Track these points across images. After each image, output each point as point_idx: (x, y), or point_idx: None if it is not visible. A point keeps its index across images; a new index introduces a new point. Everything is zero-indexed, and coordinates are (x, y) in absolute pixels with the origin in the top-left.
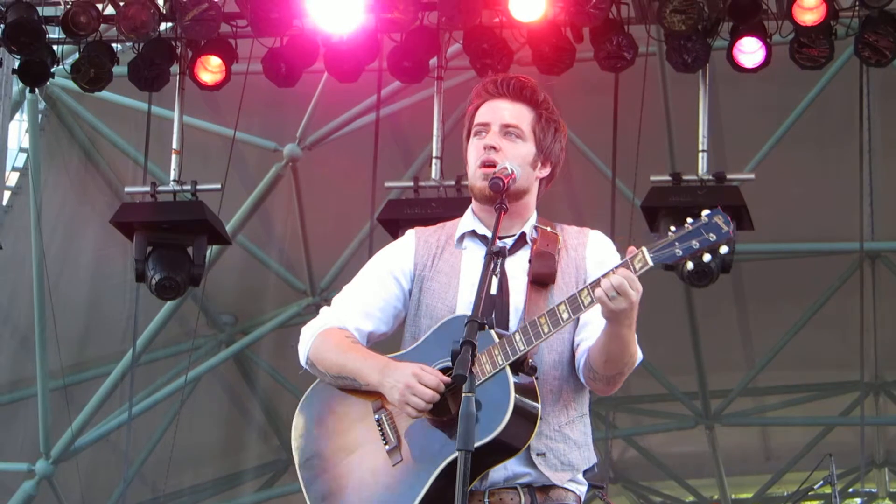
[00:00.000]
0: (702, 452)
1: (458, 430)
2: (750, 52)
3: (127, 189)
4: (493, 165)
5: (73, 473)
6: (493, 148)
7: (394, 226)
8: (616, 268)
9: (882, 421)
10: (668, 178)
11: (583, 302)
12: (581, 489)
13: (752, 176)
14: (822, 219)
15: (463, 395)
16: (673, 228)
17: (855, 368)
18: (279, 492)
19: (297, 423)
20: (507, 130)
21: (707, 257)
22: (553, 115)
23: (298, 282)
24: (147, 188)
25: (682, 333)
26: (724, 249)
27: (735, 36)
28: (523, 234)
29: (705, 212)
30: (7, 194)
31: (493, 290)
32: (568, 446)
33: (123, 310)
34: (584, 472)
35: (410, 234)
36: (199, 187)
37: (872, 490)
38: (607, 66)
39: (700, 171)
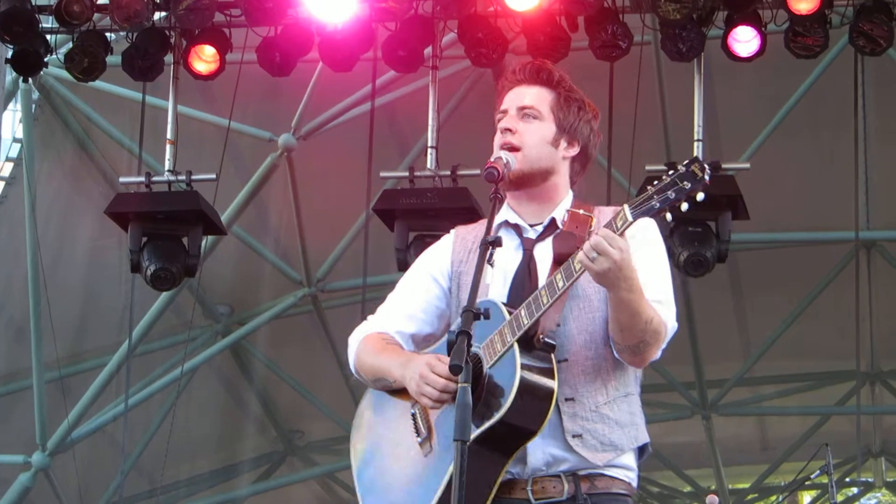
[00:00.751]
0: (699, 442)
1: (455, 420)
2: (745, 41)
3: (121, 179)
4: (511, 147)
5: (69, 465)
6: (510, 130)
7: (389, 216)
8: (598, 229)
9: (878, 410)
10: (663, 167)
11: (574, 268)
12: (630, 475)
13: (747, 165)
14: (817, 208)
15: (459, 385)
16: (655, 183)
17: (851, 358)
18: (276, 483)
19: (353, 431)
20: (524, 112)
21: (684, 206)
22: (573, 93)
23: (294, 272)
24: (142, 178)
25: (678, 323)
26: (700, 197)
27: (730, 25)
28: (553, 220)
29: (685, 162)
30: (1, 185)
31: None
32: (608, 426)
33: (119, 301)
34: (640, 454)
35: (450, 234)
36: (193, 177)
37: (869, 479)
38: (602, 55)
39: None
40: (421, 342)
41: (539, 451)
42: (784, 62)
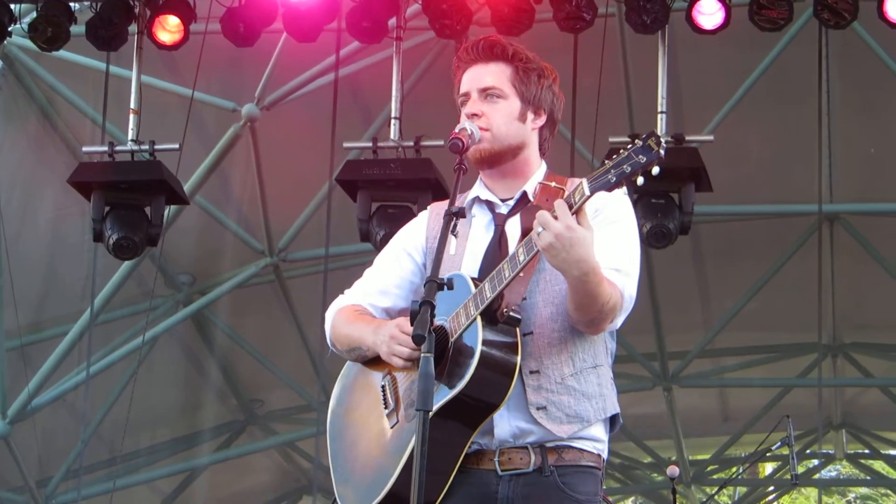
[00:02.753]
0: (660, 413)
1: (417, 389)
2: (709, 13)
3: (85, 149)
4: (479, 128)
5: (29, 433)
6: (476, 115)
7: (352, 186)
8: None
9: (839, 382)
10: (627, 139)
11: (535, 242)
12: (599, 447)
13: (710, 137)
14: (781, 181)
15: (421, 355)
16: (613, 157)
17: (813, 330)
18: (236, 452)
19: (330, 404)
20: (486, 93)
21: (640, 180)
22: (531, 63)
23: (256, 242)
24: (105, 148)
25: (640, 294)
26: (655, 170)
27: None
28: (525, 194)
29: (642, 136)
30: None
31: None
32: (574, 398)
33: (81, 269)
34: (612, 425)
35: (426, 210)
36: (157, 147)
37: (830, 451)
38: (566, 26)
39: (659, 132)
40: (395, 316)
41: (505, 423)
42: (748, 35)
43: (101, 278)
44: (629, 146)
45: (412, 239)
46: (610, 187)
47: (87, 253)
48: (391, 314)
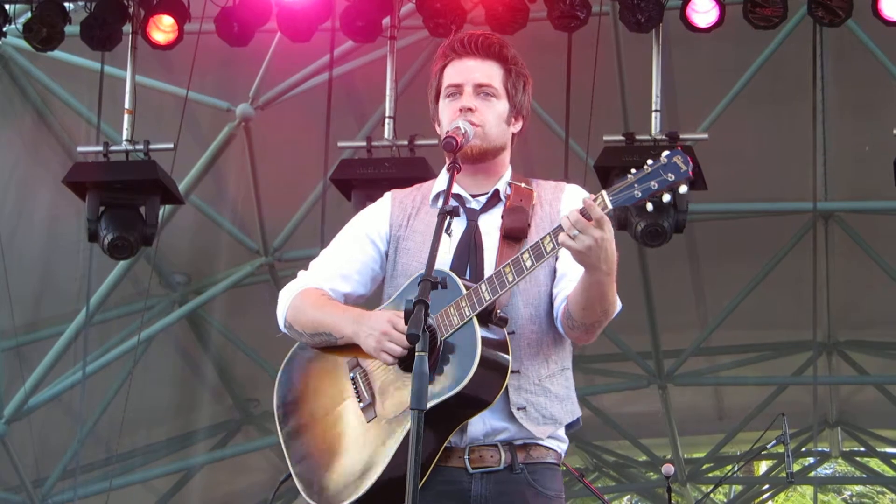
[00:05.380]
0: (655, 412)
1: (411, 388)
2: (703, 11)
3: (79, 149)
4: (472, 124)
5: (26, 433)
6: (470, 109)
7: (346, 186)
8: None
9: (835, 380)
10: (621, 137)
11: (545, 248)
12: (562, 447)
13: (705, 136)
14: (775, 179)
15: (416, 354)
16: (633, 171)
17: (808, 328)
18: (231, 451)
19: (278, 387)
20: (481, 90)
21: (666, 197)
22: (522, 69)
23: (251, 241)
24: (100, 148)
25: (635, 293)
26: (682, 189)
27: None
28: (497, 191)
29: (665, 153)
30: None
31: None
32: (549, 400)
33: (76, 270)
34: (569, 427)
35: (387, 197)
36: (151, 147)
37: (825, 449)
38: (560, 25)
39: (653, 131)
40: (352, 303)
41: (480, 421)
42: (743, 33)
43: (97, 278)
44: (652, 162)
45: (376, 225)
46: (635, 202)
47: (83, 253)
48: (349, 300)
